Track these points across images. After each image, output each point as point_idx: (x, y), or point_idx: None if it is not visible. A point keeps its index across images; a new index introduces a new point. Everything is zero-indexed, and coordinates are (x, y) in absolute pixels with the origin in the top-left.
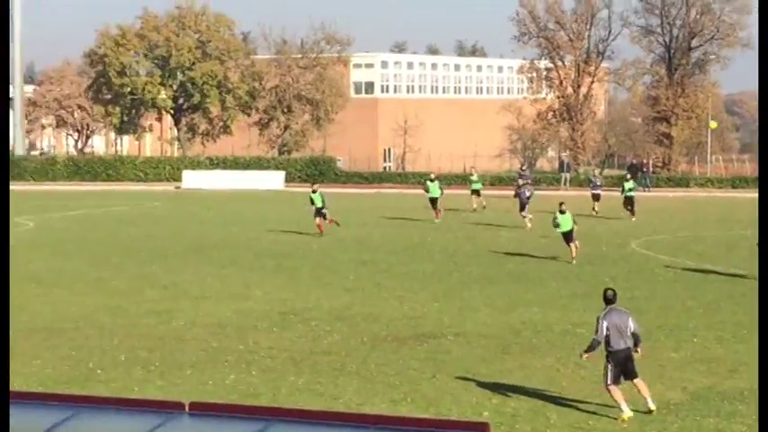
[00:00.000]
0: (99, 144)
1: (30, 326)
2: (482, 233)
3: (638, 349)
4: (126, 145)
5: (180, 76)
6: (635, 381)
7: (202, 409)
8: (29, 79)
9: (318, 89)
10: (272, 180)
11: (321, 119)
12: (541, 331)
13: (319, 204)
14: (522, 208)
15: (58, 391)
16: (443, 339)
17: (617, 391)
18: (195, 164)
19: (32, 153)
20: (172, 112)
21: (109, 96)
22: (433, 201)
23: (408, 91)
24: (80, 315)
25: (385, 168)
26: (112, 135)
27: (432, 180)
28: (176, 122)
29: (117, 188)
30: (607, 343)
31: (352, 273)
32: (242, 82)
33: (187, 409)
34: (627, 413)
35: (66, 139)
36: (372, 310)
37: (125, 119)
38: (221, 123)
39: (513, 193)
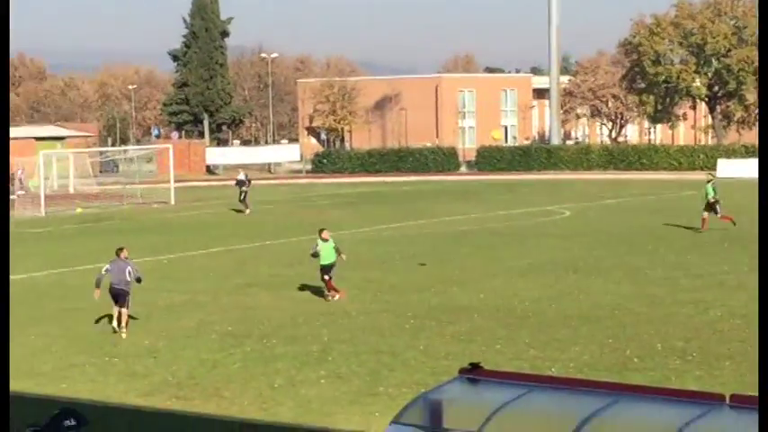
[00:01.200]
0: (632, 133)
1: (566, 313)
2: None
3: None
4: (659, 134)
5: (715, 64)
6: None
7: (744, 402)
8: (564, 70)
9: None
10: None
11: None
12: None
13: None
14: None
15: (597, 379)
16: None
17: None
18: (731, 152)
19: (567, 142)
20: (706, 99)
21: (643, 85)
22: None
23: None
24: (616, 303)
25: None
26: (645, 124)
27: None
28: (711, 110)
29: (650, 177)
30: None
31: None
32: None
33: (728, 401)
34: None
35: (600, 128)
36: None
37: (659, 107)
38: (758, 110)
39: None
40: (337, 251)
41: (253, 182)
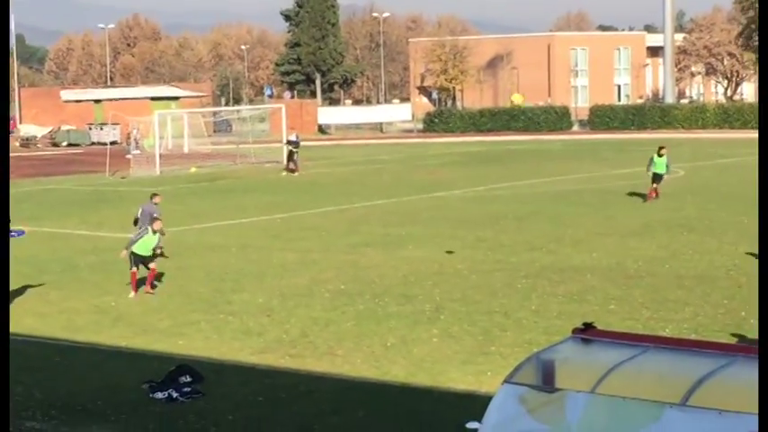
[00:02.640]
0: (748, 91)
1: (680, 273)
2: None
3: None
4: None
5: None
6: None
7: None
8: (678, 27)
9: None
10: None
11: None
12: None
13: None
14: None
15: (712, 339)
16: None
17: None
18: None
19: (681, 101)
20: None
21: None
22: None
23: None
24: (731, 264)
25: None
26: None
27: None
28: None
29: None
30: None
31: None
32: None
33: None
34: None
35: (715, 86)
36: None
37: None
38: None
39: None
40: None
41: (302, 143)
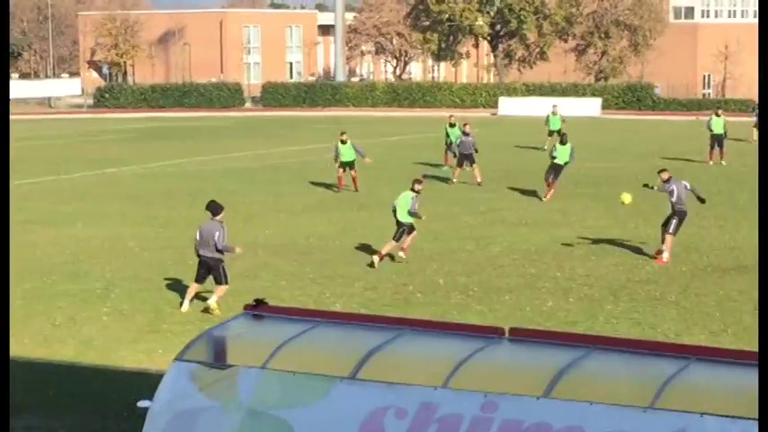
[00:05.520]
0: (416, 71)
1: (351, 249)
2: None
3: None
4: (443, 72)
5: (497, 3)
6: None
7: (522, 335)
8: (349, 7)
9: (637, 14)
10: (589, 107)
11: (639, 45)
12: None
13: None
14: None
15: (381, 314)
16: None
17: None
18: (511, 90)
19: (352, 79)
20: (489, 38)
21: (427, 23)
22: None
23: (730, 15)
24: None
25: (704, 95)
26: (429, 62)
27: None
28: (493, 49)
29: (434, 114)
30: None
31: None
32: (559, 7)
33: (507, 334)
34: None
35: (385, 65)
36: (692, 239)
37: (442, 45)
38: (538, 49)
39: None
40: None
41: (31, 116)
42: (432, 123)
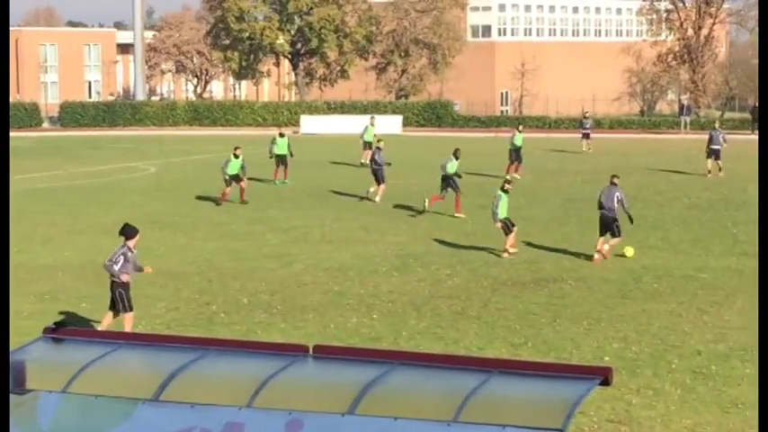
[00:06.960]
0: (217, 89)
1: (155, 269)
2: (600, 178)
3: None
4: (244, 90)
5: (298, 21)
6: None
7: (326, 353)
8: (148, 25)
9: (435, 33)
10: (390, 124)
11: (438, 63)
12: (662, 276)
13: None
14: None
15: (184, 334)
16: (563, 284)
17: None
18: (313, 108)
19: (153, 98)
20: (290, 57)
21: (227, 42)
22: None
23: (526, 34)
24: (202, 259)
25: (502, 112)
26: (231, 80)
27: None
28: (294, 67)
29: (236, 133)
30: None
31: (470, 217)
32: (359, 26)
33: (311, 352)
34: None
35: (186, 84)
36: (492, 254)
37: (243, 64)
38: (339, 68)
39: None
40: None
41: None
42: (234, 142)
